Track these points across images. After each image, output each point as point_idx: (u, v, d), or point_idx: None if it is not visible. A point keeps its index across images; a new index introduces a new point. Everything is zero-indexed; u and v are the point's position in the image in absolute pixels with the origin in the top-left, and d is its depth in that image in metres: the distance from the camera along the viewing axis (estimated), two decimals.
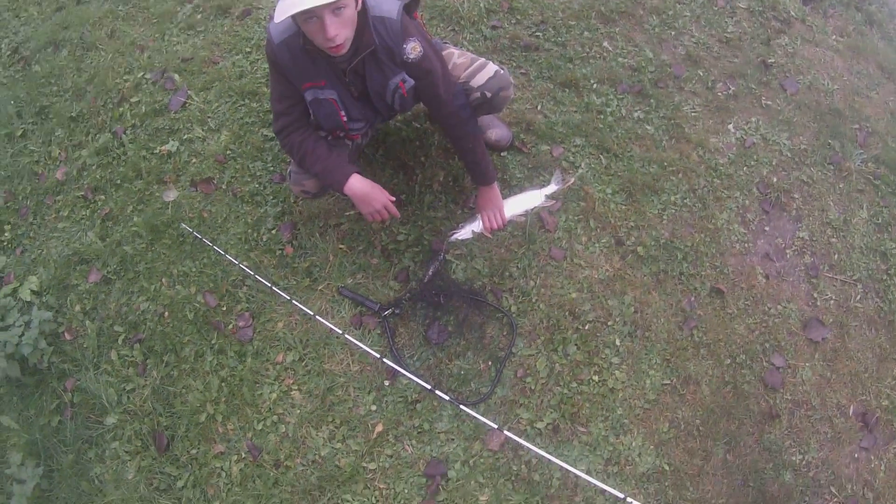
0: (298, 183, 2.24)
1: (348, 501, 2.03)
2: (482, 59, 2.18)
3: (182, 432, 2.20)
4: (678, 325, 2.26)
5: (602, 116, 2.70)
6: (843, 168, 2.75)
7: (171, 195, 2.68)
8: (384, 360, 2.13)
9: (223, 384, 2.25)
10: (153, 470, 2.18)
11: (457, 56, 2.20)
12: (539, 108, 2.71)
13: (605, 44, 2.96)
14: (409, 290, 2.29)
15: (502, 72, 2.16)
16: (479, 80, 2.13)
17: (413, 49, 1.91)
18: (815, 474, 2.16)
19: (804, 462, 2.17)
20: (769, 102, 2.86)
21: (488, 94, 2.14)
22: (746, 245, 2.46)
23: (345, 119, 2.02)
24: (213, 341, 2.32)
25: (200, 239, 2.47)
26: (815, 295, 2.46)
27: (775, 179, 2.63)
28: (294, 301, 2.24)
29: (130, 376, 2.33)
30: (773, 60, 3.04)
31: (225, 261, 2.42)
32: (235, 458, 2.14)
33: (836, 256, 2.56)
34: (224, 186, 2.64)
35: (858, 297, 2.50)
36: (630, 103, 2.76)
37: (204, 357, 2.30)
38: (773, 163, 2.66)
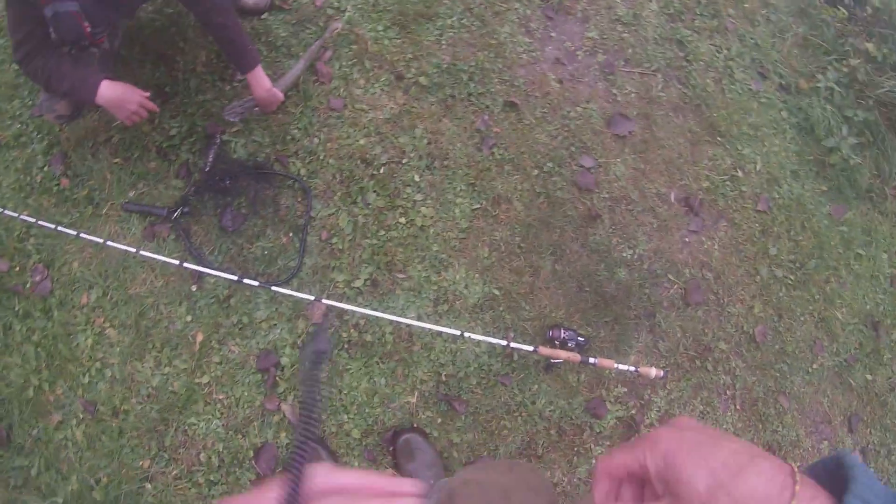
0: (50, 109, 1.52)
1: (194, 424, 1.44)
2: None
3: (17, 417, 1.51)
4: (476, 147, 1.61)
5: None
6: None
7: None
8: (184, 264, 1.52)
9: (39, 349, 1.54)
10: (4, 469, 1.50)
11: None
12: None
13: None
14: (193, 184, 1.57)
15: None
16: None
17: None
18: (649, 266, 1.65)
19: (636, 256, 1.65)
20: None
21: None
22: (534, 54, 1.77)
23: (89, 29, 1.33)
24: (16, 308, 1.57)
25: None
26: (615, 91, 1.83)
27: None
28: (82, 234, 1.52)
29: None
30: None
31: (4, 218, 1.64)
32: (75, 421, 1.48)
33: (630, 51, 1.92)
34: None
35: (660, 87, 1.90)
36: None
37: (12, 328, 1.56)
38: None
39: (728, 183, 1.86)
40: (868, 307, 1.93)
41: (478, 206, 1.57)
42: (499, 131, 1.64)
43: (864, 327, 1.90)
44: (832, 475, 0.34)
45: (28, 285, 1.61)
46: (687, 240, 1.74)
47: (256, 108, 1.60)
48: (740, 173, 1.90)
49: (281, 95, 1.58)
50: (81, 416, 1.50)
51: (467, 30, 1.74)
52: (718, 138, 1.93)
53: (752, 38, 2.17)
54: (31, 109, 1.76)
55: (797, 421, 1.72)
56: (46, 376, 1.53)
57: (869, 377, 1.86)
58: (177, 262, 1.43)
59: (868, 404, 1.83)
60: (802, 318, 1.81)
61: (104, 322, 1.54)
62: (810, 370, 1.77)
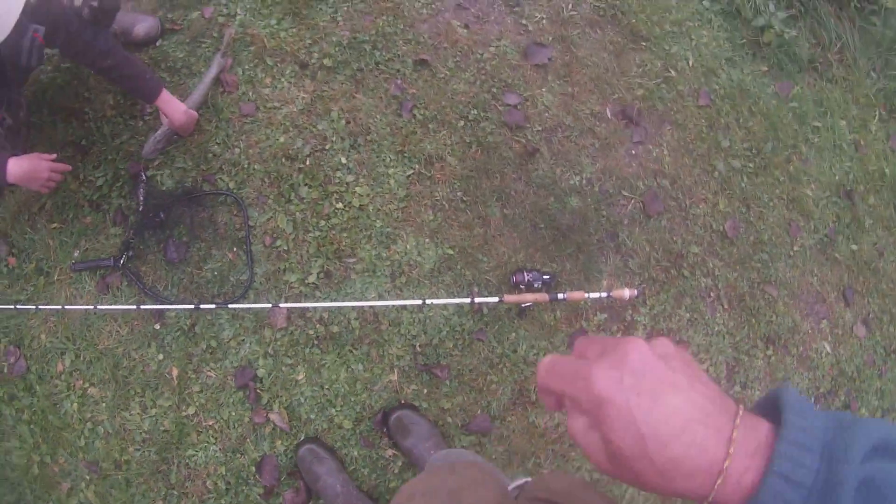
0: None
1: (193, 455, 1.42)
2: None
3: (30, 496, 1.51)
4: (396, 114, 1.54)
5: None
6: None
7: None
8: (142, 307, 1.54)
9: (32, 426, 1.52)
10: None
11: None
12: None
13: None
14: (130, 227, 1.53)
15: None
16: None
17: None
18: (600, 187, 1.56)
19: (584, 181, 1.56)
20: None
21: (95, 3, 1.37)
22: (433, 6, 1.67)
23: None
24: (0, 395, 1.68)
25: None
26: (524, 21, 1.72)
27: None
28: (40, 307, 1.49)
29: None
30: None
31: None
32: (83, 484, 1.48)
33: None
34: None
35: (570, 6, 1.79)
36: None
37: (2, 414, 1.55)
38: None
39: (663, 85, 1.80)
40: (837, 178, 1.87)
41: (411, 171, 1.54)
42: (415, 92, 1.59)
43: (838, 198, 1.84)
44: (771, 414, 0.32)
45: (5, 370, 1.63)
46: (633, 152, 1.70)
47: (175, 137, 1.60)
48: (673, 73, 1.84)
49: (196, 115, 1.58)
50: (88, 477, 1.49)
51: (361, 0, 1.72)
52: (643, 43, 1.87)
53: None
54: None
55: (790, 307, 1.69)
56: (46, 450, 1.53)
57: (854, 247, 1.81)
58: (134, 306, 1.44)
59: (859, 274, 1.78)
60: (771, 204, 1.76)
61: (84, 383, 1.54)
62: (791, 253, 1.73)
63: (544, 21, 1.75)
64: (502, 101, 1.61)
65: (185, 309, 1.39)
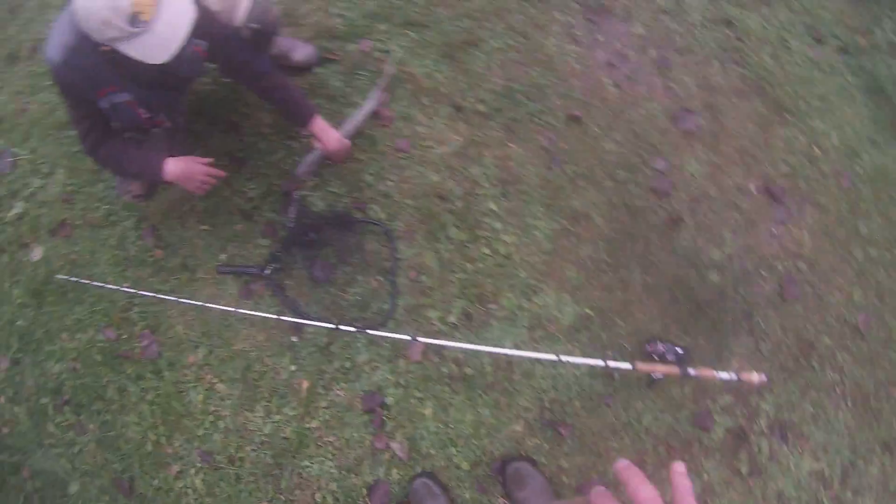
0: (125, 191, 1.72)
1: (308, 467, 1.59)
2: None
3: (138, 470, 1.71)
4: (546, 167, 1.71)
5: None
6: None
7: (37, 254, 2.07)
8: (282, 318, 1.64)
9: (153, 407, 1.74)
10: None
11: (214, 4, 1.56)
12: (332, 11, 2.01)
13: None
14: (279, 241, 1.73)
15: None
16: (239, 16, 1.55)
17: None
18: (740, 264, 1.69)
19: (725, 256, 1.69)
20: None
21: (256, 25, 1.56)
22: (585, 62, 1.86)
23: (144, 115, 1.50)
24: (128, 372, 1.78)
25: (78, 281, 1.90)
26: (673, 85, 1.89)
27: None
28: (181, 300, 1.69)
29: (73, 439, 1.79)
30: None
31: (108, 292, 1.83)
32: (193, 470, 1.66)
33: (679, 40, 1.97)
34: (80, 222, 1.98)
35: (718, 73, 1.93)
36: None
37: (127, 390, 1.77)
38: None
39: (807, 163, 1.85)
40: None
41: (558, 226, 1.64)
42: (566, 147, 1.70)
43: None
44: None
45: (137, 350, 1.78)
46: (775, 231, 1.74)
47: (327, 160, 1.70)
48: (817, 151, 1.88)
49: (349, 143, 1.68)
50: (199, 465, 1.68)
51: (514, 49, 1.82)
52: (788, 117, 1.92)
53: (798, 2, 2.13)
54: (115, 190, 1.93)
55: None
56: (163, 431, 1.72)
57: None
58: (274, 316, 1.56)
59: None
60: None
61: (213, 378, 1.69)
62: None
63: (693, 87, 1.82)
64: (650, 165, 1.68)
65: (324, 327, 1.48)
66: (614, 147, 1.75)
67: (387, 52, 1.89)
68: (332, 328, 1.55)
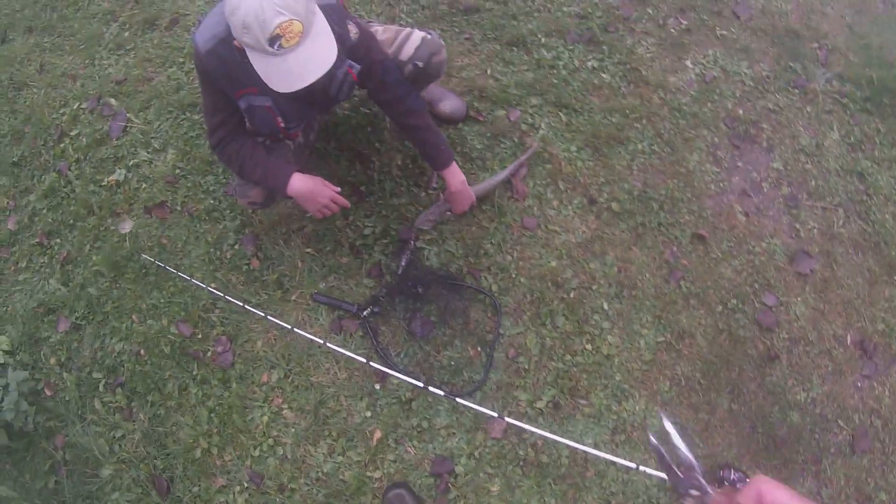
0: (244, 195, 1.89)
1: None
2: (407, 29, 1.81)
3: (180, 472, 1.90)
4: (664, 279, 1.95)
5: (555, 71, 2.31)
6: (809, 90, 2.40)
7: (127, 226, 2.32)
8: (371, 363, 1.85)
9: (212, 415, 1.93)
10: None
11: (381, 32, 1.83)
12: (489, 72, 2.32)
13: None
14: (384, 286, 1.96)
15: (430, 36, 1.80)
16: (407, 51, 1.77)
17: (351, 31, 1.58)
18: (821, 410, 1.91)
19: (809, 399, 1.91)
20: (724, 32, 2.47)
21: (420, 64, 1.78)
22: (722, 184, 2.13)
23: (282, 124, 1.69)
24: (194, 372, 1.99)
25: (163, 267, 2.13)
26: (798, 226, 2.15)
27: (741, 111, 2.28)
28: (269, 317, 1.89)
29: (118, 423, 1.99)
30: None
31: (192, 286, 2.07)
32: (238, 489, 1.84)
33: (813, 183, 2.25)
34: (179, 208, 2.25)
35: (841, 223, 2.20)
36: (582, 53, 2.37)
37: (188, 390, 1.98)
38: (737, 94, 2.31)
39: None
40: None
41: (662, 338, 1.86)
42: (686, 264, 1.94)
43: None
44: None
45: (209, 354, 1.99)
46: (859, 384, 1.96)
47: (449, 213, 1.94)
48: None
49: (473, 195, 1.94)
50: (246, 484, 1.87)
51: (658, 156, 2.08)
52: None
53: None
54: (226, 188, 2.19)
55: None
56: (216, 441, 1.91)
57: None
58: (363, 359, 1.76)
59: None
60: None
61: (282, 403, 1.89)
62: None
63: (815, 231, 2.07)
64: (760, 299, 1.91)
65: (412, 384, 1.66)
66: (732, 274, 1.99)
67: (534, 126, 2.17)
68: (420, 386, 1.76)
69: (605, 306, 1.90)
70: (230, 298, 1.98)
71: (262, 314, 1.91)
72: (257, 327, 2.01)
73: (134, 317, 2.14)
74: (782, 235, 2.10)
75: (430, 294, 1.92)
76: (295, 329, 1.89)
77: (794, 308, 2.01)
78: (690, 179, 2.10)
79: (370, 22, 1.90)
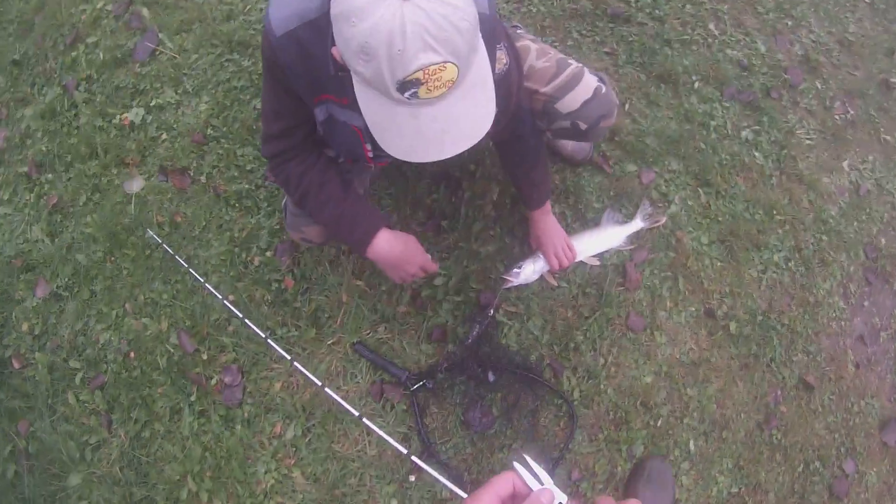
0: (297, 228, 1.30)
1: None
2: (573, 65, 1.18)
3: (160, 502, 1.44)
4: (758, 425, 1.51)
5: (704, 131, 1.70)
6: None
7: (135, 185, 1.66)
8: (411, 456, 1.35)
9: (206, 454, 1.44)
10: None
11: (535, 54, 1.18)
12: (627, 107, 1.70)
13: (711, 26, 1.85)
14: (446, 356, 1.43)
15: (605, 89, 1.18)
16: (570, 102, 1.15)
17: (499, 60, 0.95)
18: None
19: None
20: (888, 137, 1.87)
21: (583, 126, 1.18)
22: (843, 324, 1.65)
23: (370, 153, 1.07)
24: (192, 398, 1.46)
25: (172, 256, 1.52)
26: None
27: (884, 241, 1.75)
28: (295, 363, 1.31)
29: (94, 428, 1.48)
30: (895, 80, 1.98)
31: (205, 291, 1.49)
32: None
33: None
34: (203, 179, 1.60)
35: None
36: (737, 116, 1.75)
37: (181, 416, 1.46)
38: (884, 219, 1.77)
39: None
40: None
41: (736, 489, 1.49)
42: (785, 412, 1.53)
43: None
44: None
45: (214, 382, 1.48)
46: None
47: (543, 270, 1.43)
48: None
49: (574, 254, 1.41)
50: None
51: (791, 275, 1.60)
52: None
53: None
54: (265, 172, 1.53)
55: None
56: (208, 486, 1.45)
57: None
58: (404, 450, 1.28)
59: None
60: None
61: (294, 465, 1.43)
62: None
63: None
64: (840, 464, 1.60)
65: (456, 493, 1.24)
66: (824, 432, 1.58)
67: (667, 198, 1.60)
68: (463, 496, 1.31)
69: (691, 445, 1.45)
70: (249, 324, 1.38)
71: (288, 358, 1.33)
72: (279, 367, 1.47)
73: (127, 306, 1.56)
74: (882, 397, 1.67)
75: (498, 382, 1.42)
76: (326, 390, 1.29)
77: (868, 478, 1.62)
78: (816, 312, 1.61)
79: (518, 30, 1.24)
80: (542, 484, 0.53)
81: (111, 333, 1.55)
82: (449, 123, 0.78)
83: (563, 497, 0.51)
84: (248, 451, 1.46)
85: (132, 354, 1.53)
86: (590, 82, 1.17)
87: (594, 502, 0.50)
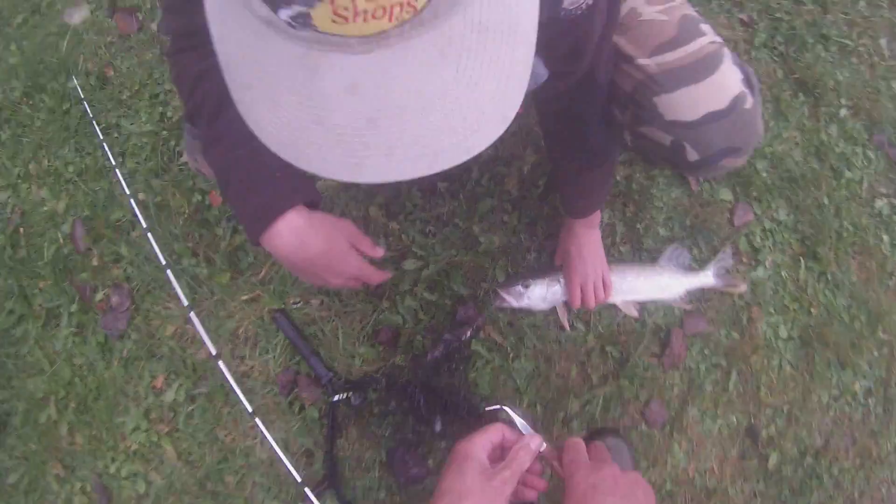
0: (192, 154, 0.82)
1: None
2: (709, 37, 0.62)
3: (18, 421, 1.09)
4: None
5: (834, 181, 1.13)
6: None
7: (77, 16, 1.20)
8: (305, 489, 0.92)
9: (76, 379, 1.08)
10: None
11: (648, 7, 0.63)
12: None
13: (882, 42, 1.23)
14: (387, 372, 1.00)
15: (750, 101, 0.62)
16: (683, 104, 0.61)
17: None
18: None
19: None
20: None
21: (692, 155, 0.63)
22: (892, 489, 1.10)
23: None
24: (72, 308, 1.09)
25: (89, 120, 1.09)
26: None
27: None
28: (192, 316, 0.96)
29: None
30: None
31: (114, 174, 1.06)
32: (78, 488, 1.04)
33: None
34: (154, 28, 1.14)
35: None
36: (879, 175, 1.17)
37: (59, 325, 1.09)
38: None
39: None
40: None
41: None
42: None
43: None
44: None
45: (99, 298, 1.08)
46: None
47: (563, 303, 0.98)
48: None
49: (610, 290, 0.94)
50: (89, 490, 1.06)
51: (864, 411, 1.08)
52: None
53: None
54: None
55: None
56: (70, 417, 1.11)
57: None
58: (299, 478, 0.91)
59: None
60: None
61: (166, 434, 1.06)
62: None
63: None
64: None
65: None
66: None
67: (756, 255, 1.06)
68: None
69: None
70: (151, 239, 0.98)
71: (185, 302, 0.96)
72: (174, 309, 1.06)
73: (31, 167, 1.15)
74: None
75: (446, 431, 0.96)
76: (220, 363, 0.94)
77: None
78: (872, 470, 1.08)
79: None
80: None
81: (8, 194, 1.15)
82: (397, 109, 0.29)
83: (543, 445, 0.55)
84: (120, 395, 1.09)
85: (21, 230, 1.14)
86: (730, 80, 0.62)
87: (564, 444, 0.55)
